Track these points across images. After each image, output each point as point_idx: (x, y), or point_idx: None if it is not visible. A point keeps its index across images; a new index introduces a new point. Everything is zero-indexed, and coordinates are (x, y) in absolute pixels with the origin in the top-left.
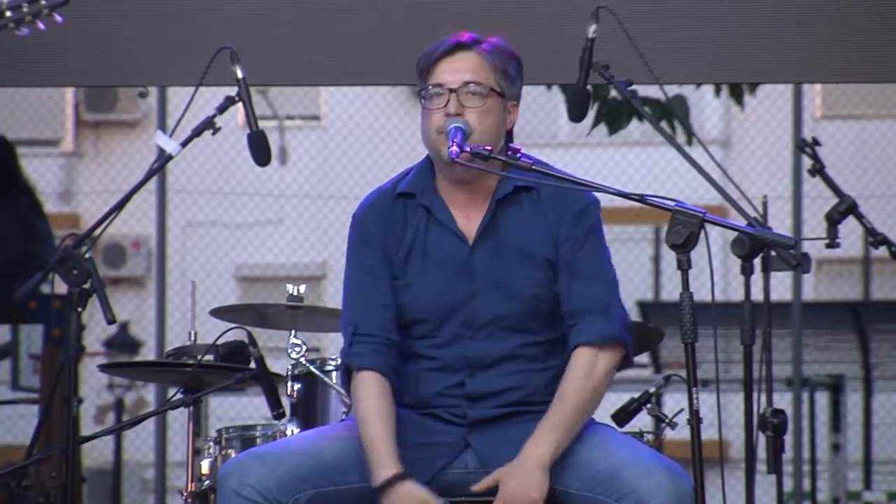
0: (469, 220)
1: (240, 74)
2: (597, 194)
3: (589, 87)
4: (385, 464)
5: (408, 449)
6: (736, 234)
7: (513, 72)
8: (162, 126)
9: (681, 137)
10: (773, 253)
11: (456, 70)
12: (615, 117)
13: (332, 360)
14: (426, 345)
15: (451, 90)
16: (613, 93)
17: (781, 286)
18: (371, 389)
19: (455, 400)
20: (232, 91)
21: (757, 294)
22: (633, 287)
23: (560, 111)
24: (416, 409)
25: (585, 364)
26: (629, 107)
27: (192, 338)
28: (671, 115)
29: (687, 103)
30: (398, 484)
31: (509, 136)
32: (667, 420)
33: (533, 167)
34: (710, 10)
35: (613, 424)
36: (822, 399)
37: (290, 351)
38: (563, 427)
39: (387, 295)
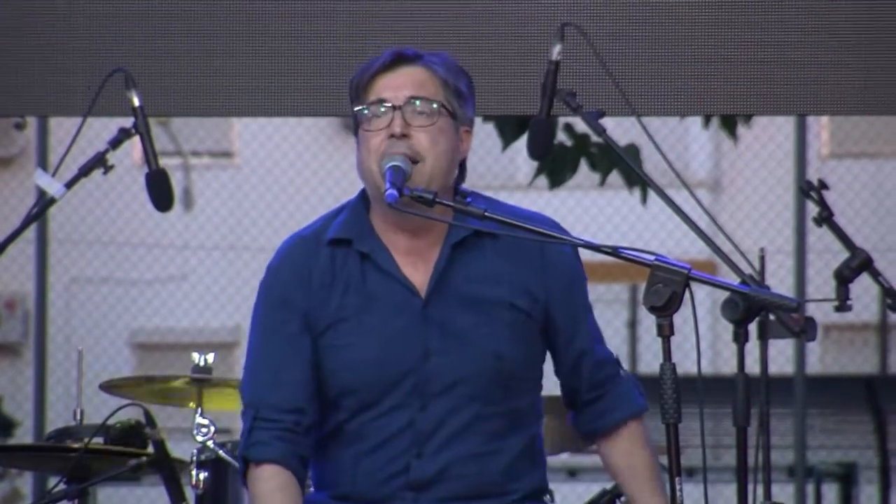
0: (417, 269)
1: (136, 102)
2: None
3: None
4: None
5: None
6: (727, 294)
7: (465, 90)
8: (42, 163)
9: (637, 193)
10: (771, 317)
11: (399, 85)
12: (560, 166)
13: None
14: (362, 420)
15: (395, 107)
16: (561, 136)
17: (781, 357)
18: (270, 483)
19: (398, 490)
20: (127, 122)
21: (752, 366)
22: None
23: (518, 148)
24: None
25: (641, 437)
26: (574, 154)
27: (78, 416)
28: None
29: (640, 154)
30: None
31: (462, 169)
32: None
33: (486, 214)
34: (698, 28)
35: None
36: (831, 492)
37: (195, 432)
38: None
39: (303, 369)
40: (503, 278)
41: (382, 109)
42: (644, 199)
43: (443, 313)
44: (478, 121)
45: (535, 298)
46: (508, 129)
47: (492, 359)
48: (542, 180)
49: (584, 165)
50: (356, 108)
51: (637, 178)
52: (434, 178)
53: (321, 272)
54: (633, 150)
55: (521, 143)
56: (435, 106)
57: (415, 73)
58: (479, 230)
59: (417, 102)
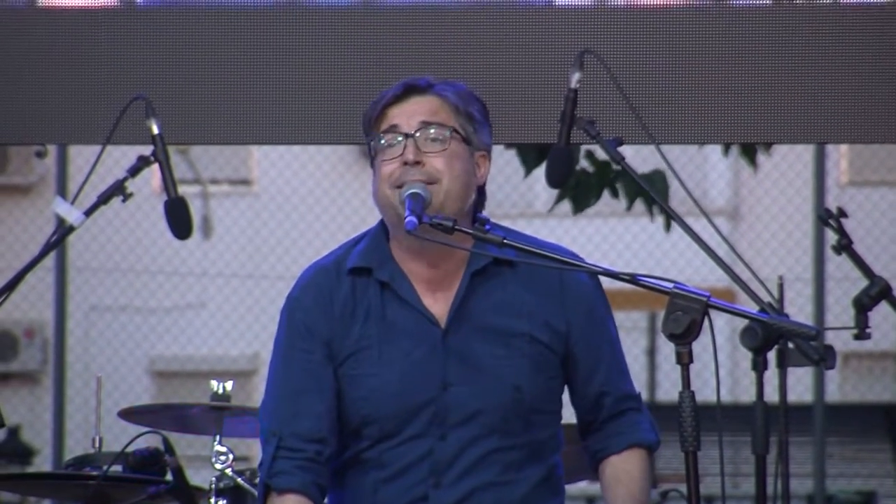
0: (436, 299)
1: (156, 130)
2: None
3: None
4: None
5: None
6: (746, 322)
7: (478, 116)
8: (62, 191)
9: (659, 220)
10: (790, 345)
11: (411, 113)
12: (583, 192)
13: None
14: (382, 448)
15: (408, 135)
16: (583, 163)
17: (800, 385)
18: None
19: None
20: (146, 150)
21: (771, 394)
22: None
23: (536, 176)
24: None
25: (637, 468)
26: (598, 180)
27: (97, 444)
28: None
29: (666, 179)
30: None
31: (481, 194)
32: None
33: (505, 241)
34: (717, 57)
35: None
36: None
37: (214, 460)
38: None
39: (325, 399)
40: (524, 310)
41: (399, 139)
42: (668, 227)
43: (462, 343)
44: (497, 148)
45: (556, 331)
46: (530, 156)
47: (511, 391)
48: (561, 207)
49: (605, 192)
50: (370, 139)
51: (659, 205)
52: (449, 199)
53: (343, 301)
54: (659, 175)
55: (540, 170)
56: (448, 132)
57: (426, 102)
58: (498, 258)
59: (431, 129)
